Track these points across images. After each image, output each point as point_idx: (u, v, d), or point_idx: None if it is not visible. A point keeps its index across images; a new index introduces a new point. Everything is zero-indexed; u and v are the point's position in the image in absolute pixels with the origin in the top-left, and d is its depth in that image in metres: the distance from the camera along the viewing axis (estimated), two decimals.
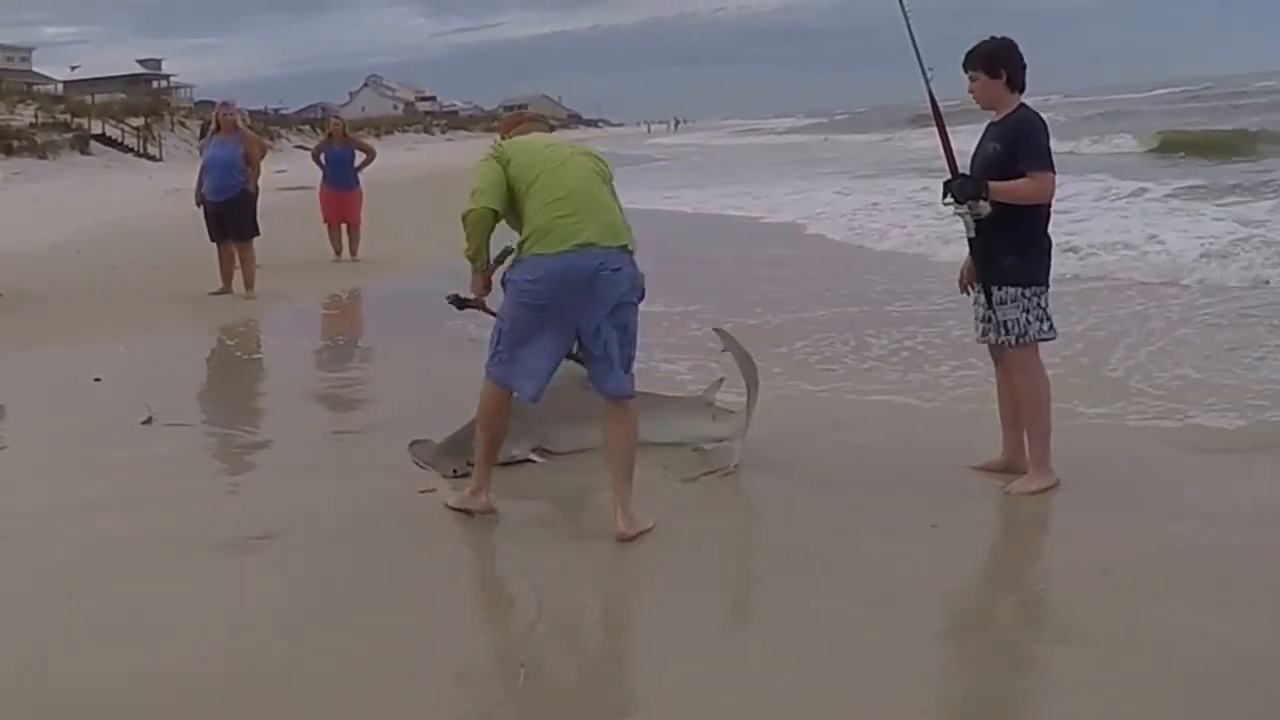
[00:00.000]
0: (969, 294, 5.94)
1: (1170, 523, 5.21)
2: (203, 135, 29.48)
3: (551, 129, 6.33)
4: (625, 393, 5.38)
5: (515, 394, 5.42)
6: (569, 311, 5.24)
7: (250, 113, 23.78)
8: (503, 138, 5.71)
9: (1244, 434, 6.53)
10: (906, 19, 5.66)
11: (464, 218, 5.34)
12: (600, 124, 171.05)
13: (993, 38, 5.70)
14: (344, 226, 15.76)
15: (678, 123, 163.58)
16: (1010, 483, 5.73)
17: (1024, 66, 5.64)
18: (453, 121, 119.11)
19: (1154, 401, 7.22)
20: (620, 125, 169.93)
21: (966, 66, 5.66)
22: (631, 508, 5.30)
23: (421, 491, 5.89)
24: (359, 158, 16.21)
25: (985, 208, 5.46)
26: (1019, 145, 5.53)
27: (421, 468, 6.28)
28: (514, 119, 5.92)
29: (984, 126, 5.80)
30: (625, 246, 5.29)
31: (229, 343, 10.82)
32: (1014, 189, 5.49)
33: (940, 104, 5.71)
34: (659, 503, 5.59)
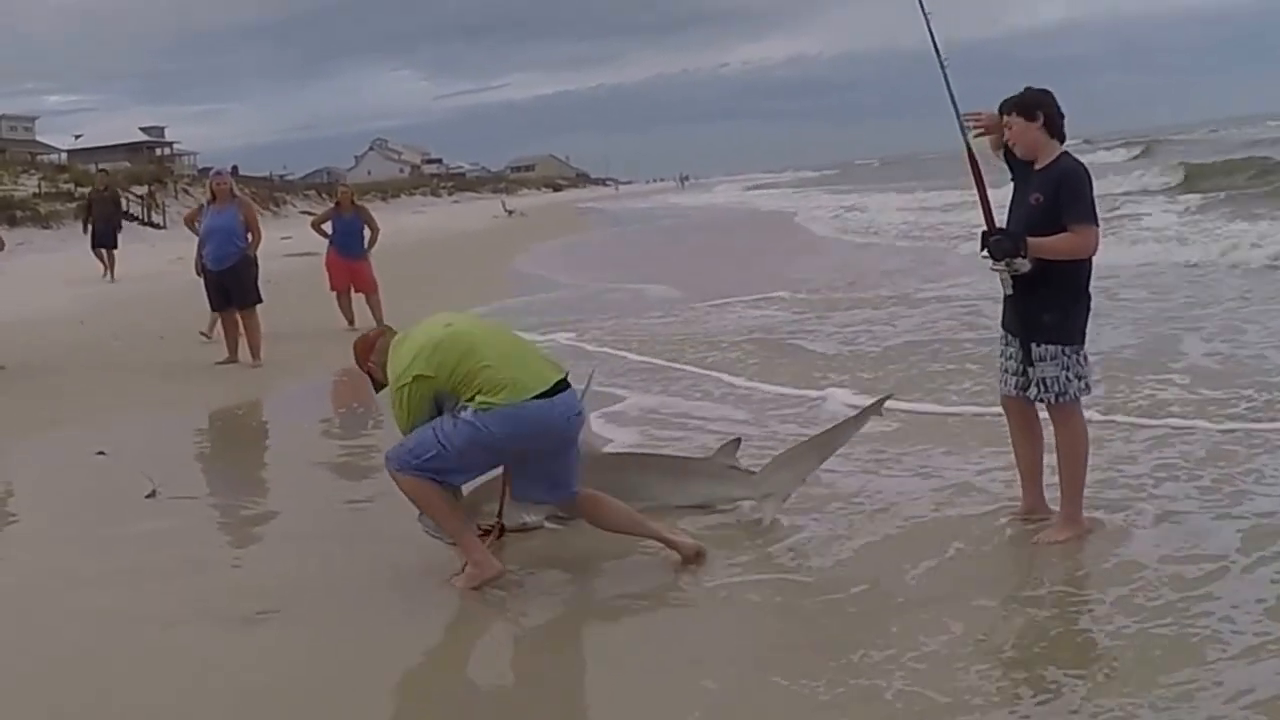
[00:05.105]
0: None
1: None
2: (88, 214, 26.42)
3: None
4: (575, 491, 5.61)
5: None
6: (522, 452, 5.41)
7: (240, 176, 22.13)
8: (367, 362, 5.70)
9: None
10: (944, 72, 5.58)
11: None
12: (609, 182, 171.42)
13: (1028, 87, 5.60)
14: (361, 296, 15.39)
15: (685, 179, 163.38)
16: (1039, 532, 5.67)
17: (1062, 115, 5.54)
18: (459, 183, 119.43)
19: None
20: (630, 183, 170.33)
21: (1001, 111, 5.58)
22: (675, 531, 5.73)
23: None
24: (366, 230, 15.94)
25: (1023, 264, 5.37)
26: (1062, 197, 5.41)
27: (432, 536, 6.14)
28: (368, 344, 5.75)
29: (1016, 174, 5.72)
30: (567, 375, 5.50)
31: (236, 412, 10.76)
32: (1055, 245, 5.38)
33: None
34: (672, 564, 5.61)
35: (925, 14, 5.69)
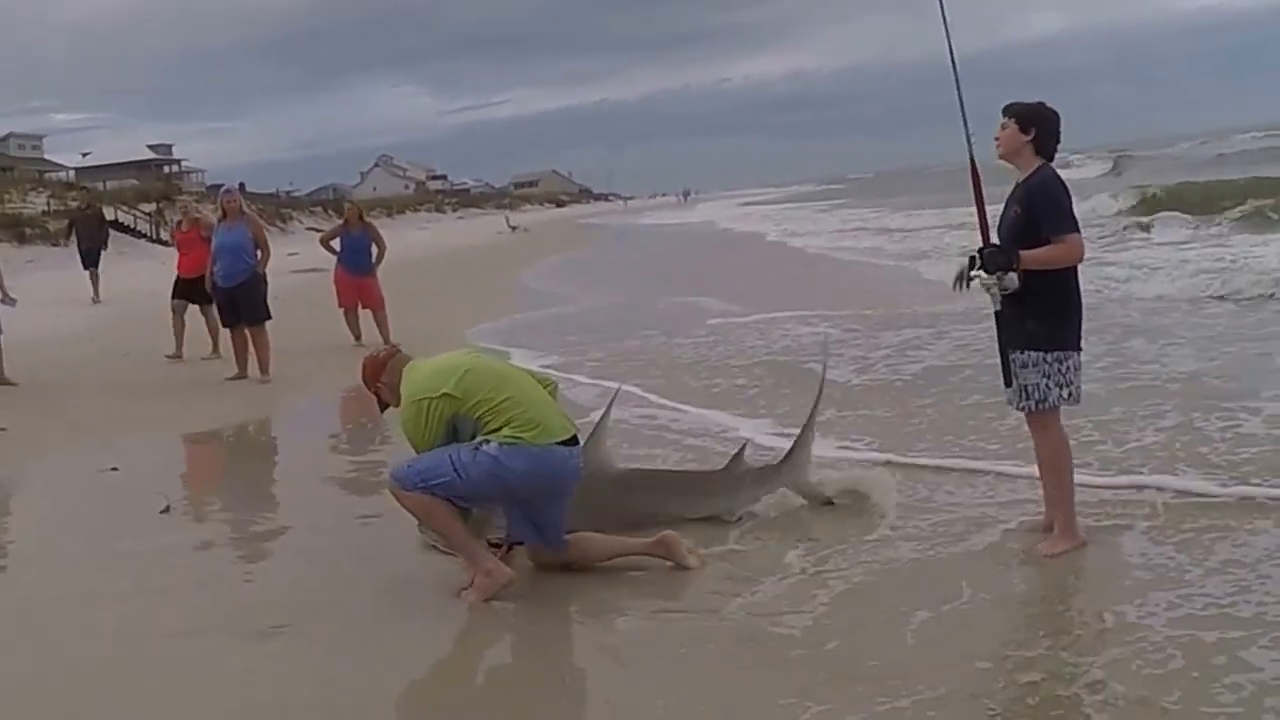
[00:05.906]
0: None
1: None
2: (69, 233, 24.89)
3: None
4: (565, 540, 5.73)
5: None
6: (529, 494, 5.49)
7: (247, 193, 20.83)
8: (377, 382, 5.74)
9: None
10: (958, 84, 5.56)
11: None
12: (611, 198, 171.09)
13: (1042, 103, 5.64)
14: (366, 311, 15.50)
15: (687, 194, 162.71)
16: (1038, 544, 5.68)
17: (1056, 140, 5.60)
18: (464, 199, 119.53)
19: None
20: (632, 198, 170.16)
21: (1003, 113, 5.62)
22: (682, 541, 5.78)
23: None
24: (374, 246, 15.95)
25: (1013, 281, 5.38)
26: (1038, 209, 5.45)
27: (440, 550, 6.20)
28: (378, 364, 5.77)
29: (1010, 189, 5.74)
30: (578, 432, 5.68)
31: (246, 428, 10.80)
32: (1046, 256, 5.40)
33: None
34: (695, 580, 5.63)
35: (945, 23, 5.65)
